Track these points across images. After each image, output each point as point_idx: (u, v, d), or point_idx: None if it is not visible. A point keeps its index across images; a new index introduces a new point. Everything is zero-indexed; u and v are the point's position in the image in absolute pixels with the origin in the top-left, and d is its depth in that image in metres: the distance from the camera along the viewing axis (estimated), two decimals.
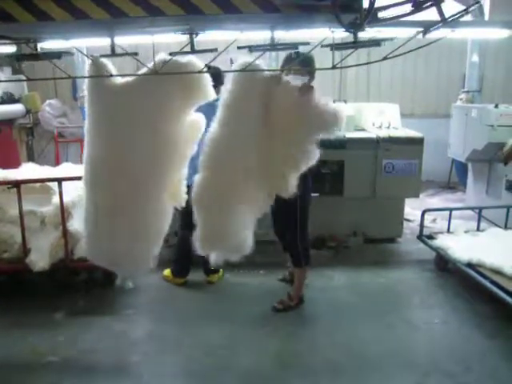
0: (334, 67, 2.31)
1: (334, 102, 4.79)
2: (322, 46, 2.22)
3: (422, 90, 7.09)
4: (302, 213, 3.23)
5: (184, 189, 2.52)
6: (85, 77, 2.36)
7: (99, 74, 2.21)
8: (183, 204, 2.54)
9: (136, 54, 2.15)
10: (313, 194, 3.52)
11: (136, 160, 2.25)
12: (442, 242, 3.82)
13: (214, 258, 2.47)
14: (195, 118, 2.45)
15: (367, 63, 2.42)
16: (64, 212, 3.33)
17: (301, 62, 2.91)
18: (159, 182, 2.34)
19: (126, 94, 2.24)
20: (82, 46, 3.06)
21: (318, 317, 3.24)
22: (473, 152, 4.87)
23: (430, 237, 4.03)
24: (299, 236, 3.25)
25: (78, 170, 2.95)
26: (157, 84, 2.19)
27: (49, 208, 3.46)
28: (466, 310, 3.27)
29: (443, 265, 3.86)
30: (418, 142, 4.05)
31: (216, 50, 2.18)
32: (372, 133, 4.21)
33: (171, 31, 2.22)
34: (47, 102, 6.51)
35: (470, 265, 3.44)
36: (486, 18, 5.17)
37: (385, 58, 2.30)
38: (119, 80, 2.27)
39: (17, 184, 3.30)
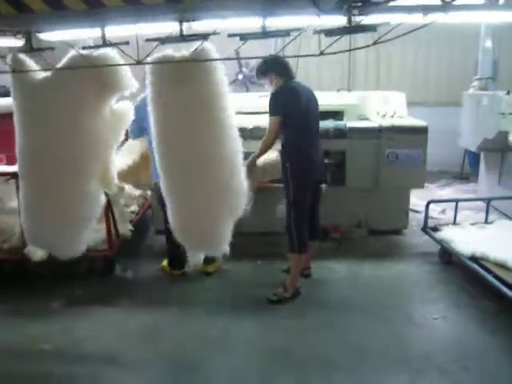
0: (321, 53, 2.24)
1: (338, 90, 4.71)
2: (314, 33, 2.14)
3: (435, 78, 6.88)
4: (296, 197, 3.18)
5: (114, 174, 2.71)
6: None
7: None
8: (114, 190, 2.78)
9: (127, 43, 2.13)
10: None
11: (58, 150, 2.43)
12: (445, 234, 3.71)
13: (191, 253, 2.60)
14: (120, 107, 2.62)
15: (355, 49, 2.34)
16: None
17: (258, 75, 3.25)
18: (82, 169, 2.51)
19: (44, 88, 2.43)
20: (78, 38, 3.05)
21: (313, 310, 3.17)
22: (484, 141, 4.70)
23: (435, 229, 3.92)
24: (294, 221, 3.21)
25: None
26: (70, 78, 2.33)
27: None
28: (469, 305, 3.17)
29: (447, 258, 3.75)
30: (421, 131, 3.91)
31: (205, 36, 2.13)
32: (375, 122, 4.09)
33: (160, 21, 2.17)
34: None
35: (473, 258, 3.33)
36: (501, 0, 4.95)
37: (375, 43, 2.21)
38: (39, 75, 2.43)
39: (15, 175, 3.32)
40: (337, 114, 4.26)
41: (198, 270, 3.70)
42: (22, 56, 2.39)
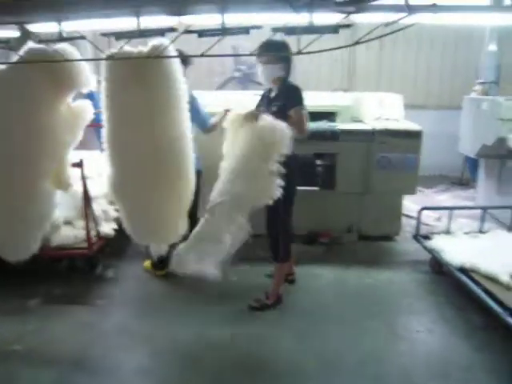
0: (299, 52, 2.13)
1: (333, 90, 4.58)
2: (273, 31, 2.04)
3: (437, 81, 6.72)
4: (286, 204, 3.05)
5: (69, 174, 2.62)
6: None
7: None
8: (67, 189, 2.66)
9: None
10: (301, 188, 3.36)
11: (9, 147, 2.30)
12: (436, 242, 3.59)
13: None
14: (79, 105, 2.51)
15: (336, 48, 2.21)
16: None
17: (273, 49, 2.86)
18: (35, 168, 2.38)
19: None
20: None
21: (293, 318, 3.07)
22: (482, 147, 4.56)
23: (427, 237, 3.80)
24: (283, 229, 3.09)
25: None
26: (22, 74, 2.24)
27: None
28: (456, 318, 3.05)
29: (438, 268, 3.62)
30: (415, 136, 3.78)
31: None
32: (368, 124, 3.97)
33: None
34: None
35: (462, 269, 3.21)
36: (507, 2, 4.80)
37: (357, 43, 2.09)
38: None
39: None
40: (330, 115, 4.15)
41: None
42: None
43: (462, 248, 3.45)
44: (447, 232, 3.80)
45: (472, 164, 5.63)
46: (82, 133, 2.62)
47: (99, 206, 3.72)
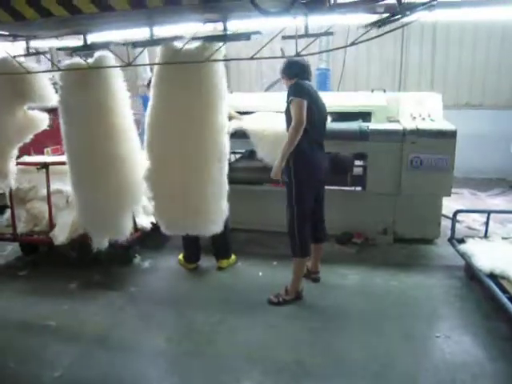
0: (297, 54, 2.19)
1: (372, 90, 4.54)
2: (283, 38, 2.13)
3: (494, 80, 6.30)
4: (298, 200, 3.13)
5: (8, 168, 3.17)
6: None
7: None
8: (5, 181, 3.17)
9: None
10: (331, 187, 3.41)
11: None
12: (469, 246, 3.43)
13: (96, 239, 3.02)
14: (35, 114, 3.02)
15: (329, 50, 2.25)
16: None
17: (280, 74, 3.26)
18: None
19: None
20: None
21: (310, 314, 3.11)
22: None
23: (461, 240, 3.64)
24: (296, 223, 3.16)
25: None
26: None
27: None
28: (479, 326, 2.90)
29: (472, 273, 3.46)
30: (449, 136, 3.62)
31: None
32: (400, 124, 3.87)
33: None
34: None
35: (492, 275, 3.06)
36: None
37: (352, 44, 2.11)
38: None
39: (45, 165, 3.64)
40: (365, 115, 4.11)
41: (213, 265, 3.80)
42: None
43: (495, 253, 3.28)
44: (484, 236, 3.61)
45: None
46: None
47: None
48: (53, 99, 2.85)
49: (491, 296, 3.02)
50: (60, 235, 3.61)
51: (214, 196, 2.71)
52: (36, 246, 4.14)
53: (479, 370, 2.50)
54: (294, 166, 3.11)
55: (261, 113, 4.13)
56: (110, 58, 2.56)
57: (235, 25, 2.40)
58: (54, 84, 2.82)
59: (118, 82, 2.66)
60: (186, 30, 2.48)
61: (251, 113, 4.21)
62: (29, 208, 3.87)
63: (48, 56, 2.79)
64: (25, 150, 3.72)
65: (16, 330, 3.00)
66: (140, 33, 2.46)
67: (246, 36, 2.19)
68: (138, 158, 2.78)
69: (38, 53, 2.59)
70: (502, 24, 5.78)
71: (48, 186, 3.66)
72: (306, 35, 1.98)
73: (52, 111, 3.29)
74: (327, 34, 1.97)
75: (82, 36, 2.47)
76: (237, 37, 2.20)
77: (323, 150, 3.23)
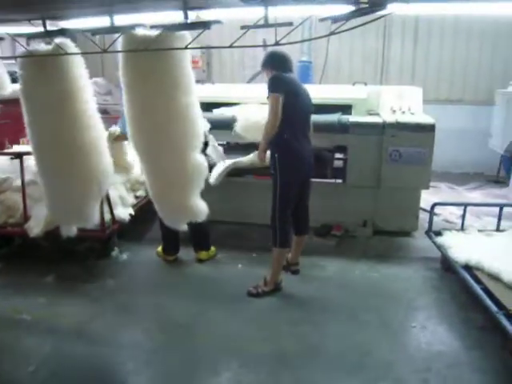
0: (276, 43, 2.17)
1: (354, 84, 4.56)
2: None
3: (474, 75, 6.39)
4: (282, 191, 3.13)
5: None
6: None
7: None
8: None
9: None
10: (313, 180, 3.42)
11: None
12: (445, 239, 3.49)
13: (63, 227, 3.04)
14: None
15: (310, 39, 2.24)
16: None
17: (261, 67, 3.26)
18: None
19: None
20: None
21: (289, 305, 3.12)
22: (511, 144, 4.34)
23: (438, 233, 3.69)
24: (278, 214, 3.17)
25: None
26: None
27: None
28: (454, 316, 2.96)
29: (448, 264, 3.52)
30: (428, 129, 3.65)
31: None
32: (379, 117, 3.89)
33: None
34: (93, 79, 6.81)
35: (467, 267, 3.11)
36: None
37: (331, 33, 2.11)
38: None
39: (19, 155, 3.56)
40: (345, 108, 4.12)
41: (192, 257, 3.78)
42: None
43: (471, 245, 3.34)
44: (460, 229, 3.67)
45: (508, 161, 5.35)
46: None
47: (117, 192, 3.94)
48: (7, 88, 2.80)
49: (466, 287, 3.08)
50: (35, 227, 3.53)
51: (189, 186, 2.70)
52: (10, 238, 4.04)
53: (454, 358, 2.55)
54: (278, 158, 3.11)
55: (245, 105, 4.10)
56: (68, 45, 2.52)
57: (217, 14, 2.38)
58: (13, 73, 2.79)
59: (78, 69, 2.62)
60: (145, 18, 2.48)
61: (234, 104, 4.18)
62: (3, 199, 3.78)
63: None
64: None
65: None
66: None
67: (206, 25, 2.17)
68: (103, 146, 2.77)
69: None
70: (482, 20, 5.85)
71: (22, 177, 3.58)
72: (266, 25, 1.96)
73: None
74: (287, 24, 1.95)
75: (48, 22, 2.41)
76: (196, 26, 2.18)
77: (309, 142, 3.22)
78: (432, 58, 6.42)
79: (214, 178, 3.89)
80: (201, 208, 2.76)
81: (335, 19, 2.12)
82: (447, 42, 6.30)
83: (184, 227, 2.93)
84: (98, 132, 2.78)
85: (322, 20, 2.31)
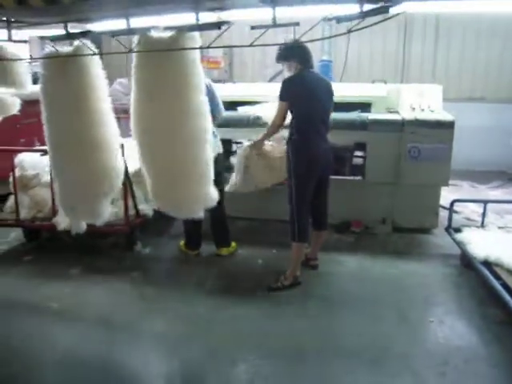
0: (296, 41, 2.23)
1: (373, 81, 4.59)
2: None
3: (496, 73, 6.30)
4: (298, 187, 3.19)
5: None
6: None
7: None
8: None
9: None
10: (333, 177, 3.46)
11: None
12: (465, 235, 3.48)
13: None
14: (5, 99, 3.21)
15: (329, 37, 2.28)
16: None
17: (279, 58, 3.24)
18: None
19: None
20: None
21: (308, 300, 3.16)
22: None
23: (458, 230, 3.68)
24: (295, 209, 3.23)
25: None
26: None
27: None
28: (473, 312, 2.96)
29: (467, 261, 3.51)
30: (447, 126, 3.65)
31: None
32: (399, 115, 3.90)
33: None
34: (118, 80, 6.99)
35: (486, 263, 3.11)
36: None
37: (349, 31, 2.15)
38: None
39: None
40: (365, 106, 4.14)
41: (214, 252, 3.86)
42: None
43: (490, 242, 3.32)
44: (480, 226, 3.66)
45: None
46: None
47: (140, 187, 4.05)
48: (27, 87, 2.93)
49: (485, 283, 3.08)
50: (63, 221, 3.66)
51: (196, 179, 2.75)
52: (39, 231, 4.20)
53: (472, 353, 2.55)
54: (290, 156, 3.16)
55: (266, 103, 4.16)
56: (87, 46, 2.63)
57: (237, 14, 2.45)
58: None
59: (95, 69, 2.72)
60: (160, 20, 2.57)
61: (256, 103, 4.25)
62: (32, 195, 3.94)
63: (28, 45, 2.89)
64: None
65: (20, 309, 3.08)
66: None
67: (215, 26, 2.25)
68: (115, 144, 2.87)
69: (19, 41, 2.68)
70: (505, 18, 5.77)
71: (51, 173, 3.72)
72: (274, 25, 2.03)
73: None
74: (294, 24, 2.01)
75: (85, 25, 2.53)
76: (207, 26, 2.27)
77: (325, 141, 3.25)
78: (453, 57, 6.36)
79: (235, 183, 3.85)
80: (214, 195, 2.84)
81: (349, 19, 2.15)
82: (469, 40, 6.24)
83: (201, 215, 2.90)
84: (112, 130, 2.87)
85: (329, 19, 2.31)
